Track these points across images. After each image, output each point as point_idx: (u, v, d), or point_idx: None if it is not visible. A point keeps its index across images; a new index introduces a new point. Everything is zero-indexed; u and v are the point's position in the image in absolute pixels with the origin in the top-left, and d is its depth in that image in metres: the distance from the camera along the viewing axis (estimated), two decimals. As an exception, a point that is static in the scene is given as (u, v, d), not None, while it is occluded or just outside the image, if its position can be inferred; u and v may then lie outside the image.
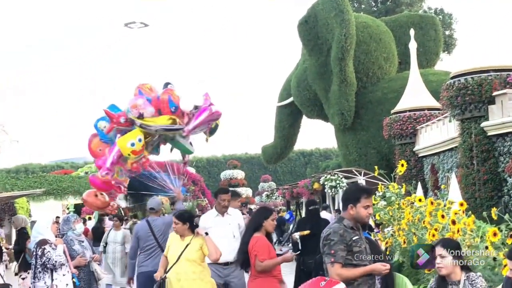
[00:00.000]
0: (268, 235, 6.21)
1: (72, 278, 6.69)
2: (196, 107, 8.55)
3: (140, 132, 8.06)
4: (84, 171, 34.23)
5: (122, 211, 25.95)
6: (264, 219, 6.10)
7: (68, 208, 29.30)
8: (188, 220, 6.43)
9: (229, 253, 6.85)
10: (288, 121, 30.29)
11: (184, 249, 6.26)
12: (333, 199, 21.87)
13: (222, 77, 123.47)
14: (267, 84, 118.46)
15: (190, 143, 9.17)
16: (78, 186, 29.96)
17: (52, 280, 6.47)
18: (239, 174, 38.16)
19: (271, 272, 5.93)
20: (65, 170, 42.28)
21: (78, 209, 28.92)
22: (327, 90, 25.99)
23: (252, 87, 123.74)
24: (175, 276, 6.23)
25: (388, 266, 4.48)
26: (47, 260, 6.43)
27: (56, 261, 6.43)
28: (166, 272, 6.27)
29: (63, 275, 6.55)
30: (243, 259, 6.04)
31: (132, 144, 7.91)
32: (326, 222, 8.62)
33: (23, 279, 11.02)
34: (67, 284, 6.58)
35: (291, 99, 29.32)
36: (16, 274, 11.07)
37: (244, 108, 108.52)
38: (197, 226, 6.65)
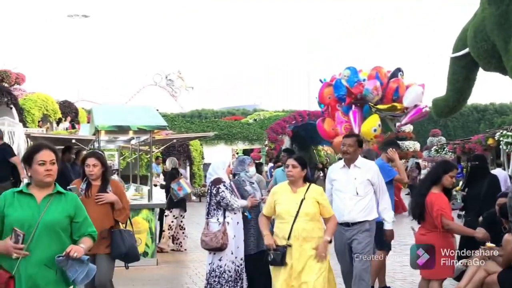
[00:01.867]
0: (446, 191, 6.05)
1: (244, 212, 6.98)
2: (415, 106, 10.02)
3: (378, 118, 9.77)
4: (253, 118, 35.33)
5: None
6: (444, 173, 5.99)
7: (237, 153, 30.55)
8: (306, 167, 5.67)
9: (349, 212, 6.20)
10: (462, 74, 28.54)
11: (301, 202, 5.47)
12: (508, 156, 20.68)
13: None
14: (439, 36, 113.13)
15: (395, 125, 10.76)
16: (247, 132, 31.07)
17: (225, 217, 6.80)
18: (407, 127, 36.99)
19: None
20: (235, 116, 43.90)
21: (246, 154, 30.10)
22: (507, 42, 24.07)
23: (425, 42, 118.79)
24: (295, 236, 5.42)
25: None
26: (221, 199, 6.75)
27: (229, 201, 6.73)
28: (288, 238, 5.42)
29: (234, 213, 6.86)
30: (419, 212, 5.96)
31: (374, 130, 9.94)
32: (494, 178, 8.23)
33: (165, 216, 11.86)
34: (237, 223, 6.90)
35: (466, 50, 27.63)
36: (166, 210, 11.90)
37: (412, 58, 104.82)
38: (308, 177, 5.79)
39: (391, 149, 7.83)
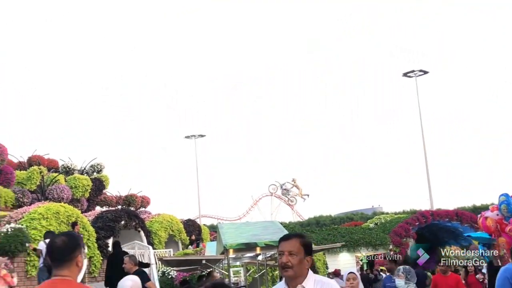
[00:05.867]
0: None
1: None
2: None
3: None
4: (374, 222, 34.58)
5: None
6: None
7: (361, 260, 29.76)
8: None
9: None
10: None
11: None
12: None
13: None
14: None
15: None
16: (369, 238, 30.35)
17: None
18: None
19: None
20: (355, 221, 43.22)
21: (371, 261, 29.22)
22: None
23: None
24: None
25: None
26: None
27: None
28: None
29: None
30: None
31: None
32: None
33: None
34: None
35: None
36: None
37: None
38: None
39: None
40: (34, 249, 16.35)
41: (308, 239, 3.90)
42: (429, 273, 21.32)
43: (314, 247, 19.74)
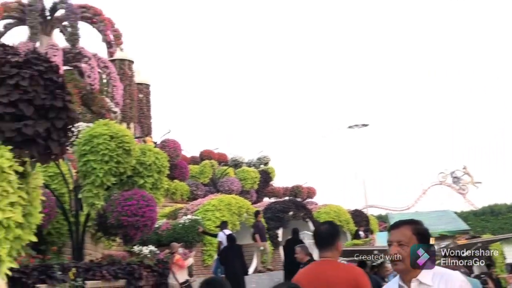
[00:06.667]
0: None
1: None
2: None
3: None
4: (557, 210, 32.07)
5: None
6: None
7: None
8: None
9: None
10: None
11: None
12: None
13: None
14: None
15: None
16: (552, 227, 28.21)
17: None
18: None
19: None
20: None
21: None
22: None
23: None
24: None
25: None
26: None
27: None
28: None
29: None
30: None
31: None
32: None
33: None
34: None
35: None
36: None
37: None
38: None
39: None
40: (203, 232, 17.53)
41: (422, 226, 3.47)
42: None
43: (490, 237, 18.66)
